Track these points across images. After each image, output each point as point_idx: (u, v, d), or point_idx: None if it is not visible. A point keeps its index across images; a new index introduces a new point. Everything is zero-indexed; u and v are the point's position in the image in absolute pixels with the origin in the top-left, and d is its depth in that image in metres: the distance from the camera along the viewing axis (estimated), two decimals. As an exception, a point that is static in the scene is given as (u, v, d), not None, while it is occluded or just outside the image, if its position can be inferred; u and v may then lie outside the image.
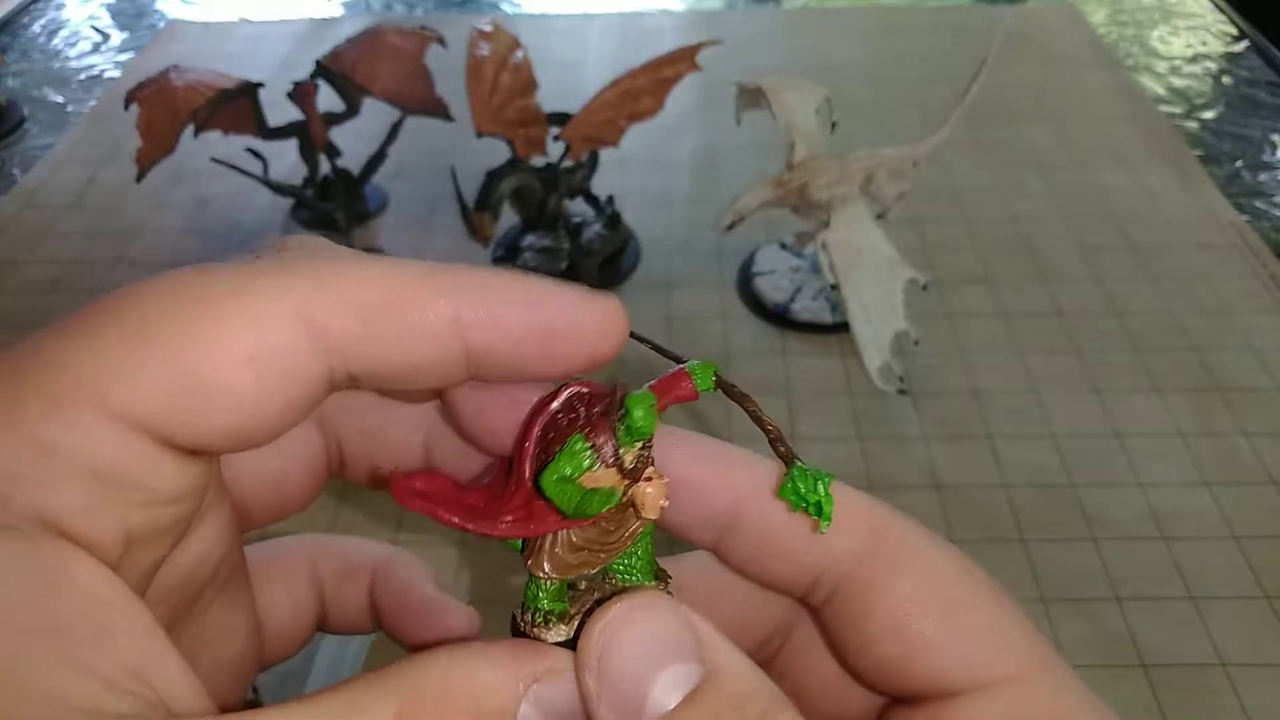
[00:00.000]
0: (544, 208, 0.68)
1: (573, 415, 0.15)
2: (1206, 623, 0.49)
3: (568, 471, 0.14)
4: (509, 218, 0.68)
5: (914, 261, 0.63)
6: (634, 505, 0.15)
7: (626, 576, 0.15)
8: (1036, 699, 0.15)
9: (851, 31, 1.03)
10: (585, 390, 0.15)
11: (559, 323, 0.15)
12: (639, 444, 0.14)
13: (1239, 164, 0.82)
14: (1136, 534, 0.53)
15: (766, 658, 0.19)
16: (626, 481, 0.14)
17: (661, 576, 0.16)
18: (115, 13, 1.13)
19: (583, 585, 0.15)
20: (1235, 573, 0.51)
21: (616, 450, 0.14)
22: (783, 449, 0.15)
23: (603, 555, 0.15)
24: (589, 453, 0.14)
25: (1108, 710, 0.16)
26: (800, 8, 1.10)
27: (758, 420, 0.16)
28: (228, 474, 0.17)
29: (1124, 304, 0.68)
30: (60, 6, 1.14)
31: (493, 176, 0.64)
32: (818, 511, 0.14)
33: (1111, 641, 0.48)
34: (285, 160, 0.75)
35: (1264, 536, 0.53)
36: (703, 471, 0.17)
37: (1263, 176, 0.81)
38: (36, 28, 1.10)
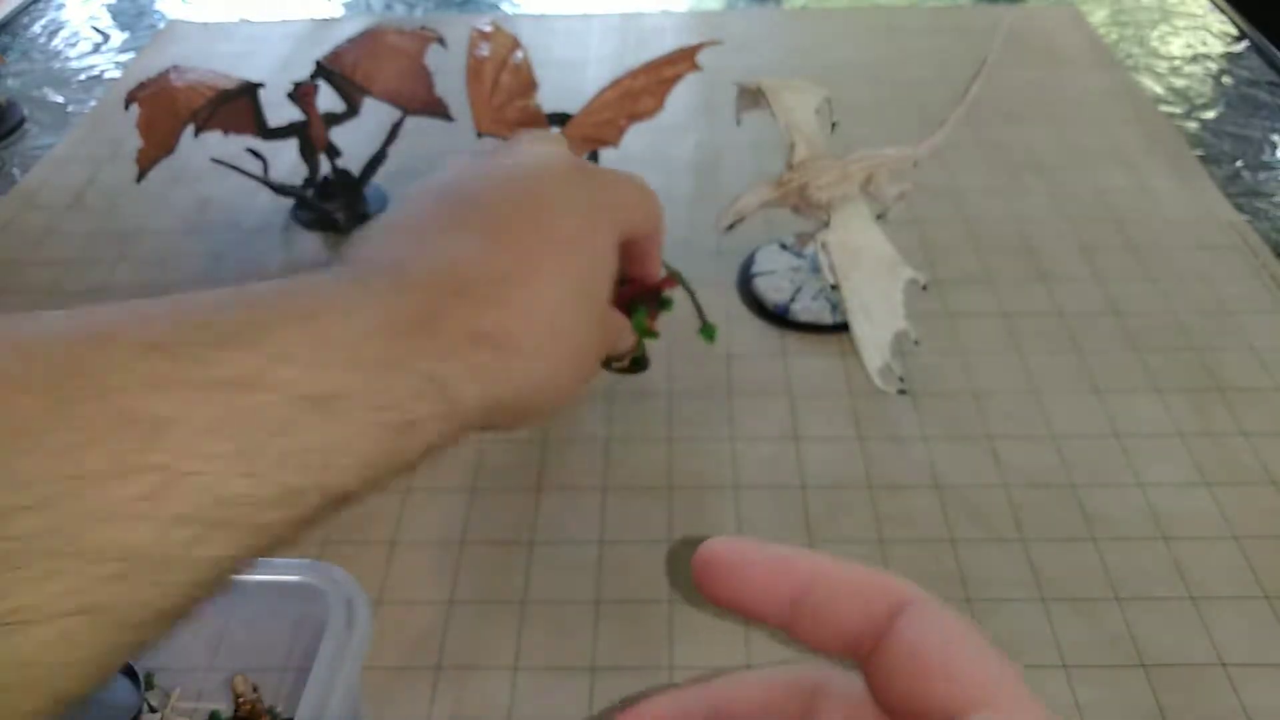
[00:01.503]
0: (544, 208, 0.67)
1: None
2: (1206, 623, 0.49)
3: (637, 318, 0.44)
4: (509, 218, 0.68)
5: (914, 261, 0.63)
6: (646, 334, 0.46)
7: (641, 344, 0.46)
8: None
9: (851, 31, 1.03)
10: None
11: None
12: (660, 312, 0.46)
13: (1239, 164, 0.82)
14: (1136, 534, 0.53)
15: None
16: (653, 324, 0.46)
17: (650, 334, 0.47)
18: (115, 13, 1.13)
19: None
20: (1235, 573, 0.51)
21: (655, 313, 0.46)
22: (703, 313, 0.42)
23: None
24: (645, 315, 0.46)
25: None
26: (800, 8, 1.10)
27: (693, 297, 0.50)
28: None
29: (1124, 304, 0.68)
30: (60, 6, 1.14)
31: (493, 176, 0.64)
32: (709, 339, 0.47)
33: (1111, 641, 0.48)
34: (285, 160, 0.75)
35: (1264, 536, 0.53)
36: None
37: (1263, 176, 0.81)
38: (36, 28, 1.10)
